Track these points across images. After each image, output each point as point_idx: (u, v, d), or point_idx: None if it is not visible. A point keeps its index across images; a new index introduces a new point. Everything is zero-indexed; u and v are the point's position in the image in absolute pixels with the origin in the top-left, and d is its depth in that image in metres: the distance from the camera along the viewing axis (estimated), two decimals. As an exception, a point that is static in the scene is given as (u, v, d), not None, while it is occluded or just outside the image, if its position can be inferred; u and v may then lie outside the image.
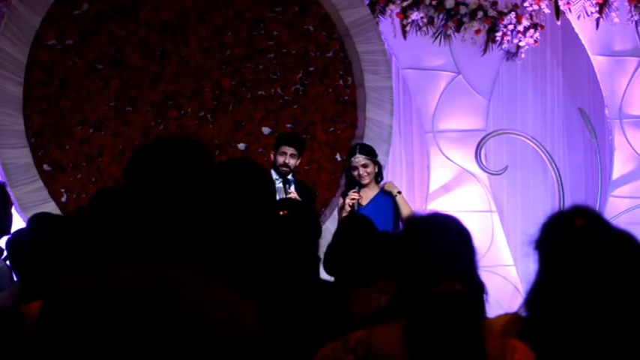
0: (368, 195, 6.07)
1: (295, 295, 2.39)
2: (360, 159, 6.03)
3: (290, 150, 6.01)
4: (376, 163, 6.10)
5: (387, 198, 6.06)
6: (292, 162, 6.02)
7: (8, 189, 6.10)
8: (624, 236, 2.18)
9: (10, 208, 4.67)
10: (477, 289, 2.21)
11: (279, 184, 5.97)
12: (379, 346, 2.08)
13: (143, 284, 1.78)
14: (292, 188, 5.95)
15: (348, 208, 5.92)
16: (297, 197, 5.80)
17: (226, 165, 2.53)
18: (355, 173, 6.03)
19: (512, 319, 2.33)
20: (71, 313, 1.75)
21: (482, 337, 2.06)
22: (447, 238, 2.18)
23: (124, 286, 1.78)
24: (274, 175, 5.96)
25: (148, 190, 1.87)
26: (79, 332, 1.74)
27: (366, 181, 6.02)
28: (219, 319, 1.78)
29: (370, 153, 6.09)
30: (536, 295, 2.21)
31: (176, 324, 1.73)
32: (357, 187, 5.99)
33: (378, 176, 6.15)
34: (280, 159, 6.00)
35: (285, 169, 5.99)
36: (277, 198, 5.81)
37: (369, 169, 6.03)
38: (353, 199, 5.94)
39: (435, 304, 2.06)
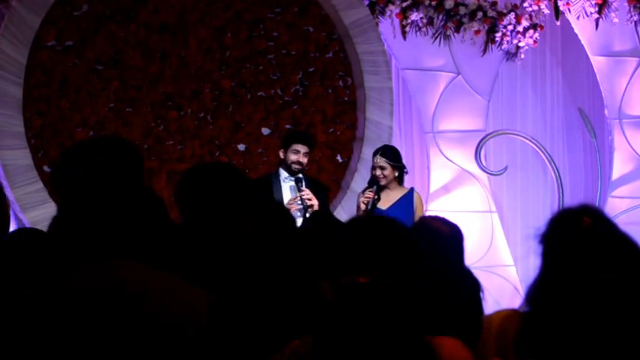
0: (391, 197, 6.06)
1: (270, 289, 2.39)
2: (379, 160, 6.05)
3: (303, 148, 5.96)
4: (396, 167, 6.09)
5: (409, 202, 6.08)
6: (305, 160, 5.99)
7: (8, 190, 6.12)
8: (629, 238, 2.19)
9: (8, 209, 4.67)
10: (462, 285, 2.21)
11: (290, 183, 5.96)
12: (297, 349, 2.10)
13: (95, 281, 1.85)
14: (304, 186, 5.91)
15: (362, 207, 5.94)
16: (311, 195, 5.79)
17: (196, 168, 2.60)
18: (374, 172, 6.09)
19: (510, 314, 2.34)
20: (28, 309, 1.83)
21: (397, 333, 2.04)
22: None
23: (78, 283, 1.85)
24: (284, 175, 5.96)
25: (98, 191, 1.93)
26: (34, 327, 1.81)
27: (382, 182, 6.04)
28: (168, 307, 1.83)
29: (392, 157, 6.07)
30: (537, 291, 2.22)
31: (126, 314, 1.80)
32: (374, 187, 6.00)
33: (399, 180, 6.15)
34: (293, 157, 5.93)
35: (297, 167, 5.93)
36: (290, 197, 5.87)
37: (386, 172, 6.03)
38: (367, 197, 5.95)
39: (339, 297, 2.05)
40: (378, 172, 6.04)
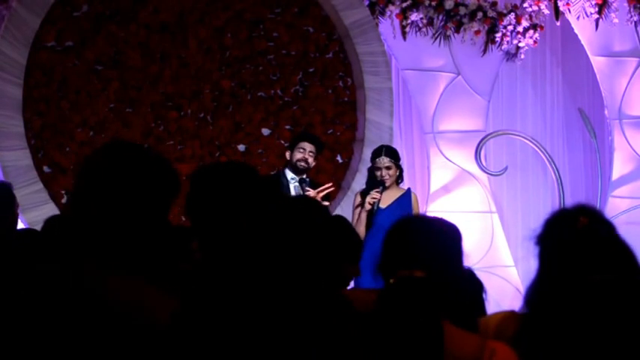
0: (389, 197, 6.05)
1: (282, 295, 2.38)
2: (384, 161, 6.02)
3: (309, 147, 5.97)
4: (399, 166, 6.11)
5: (407, 201, 6.08)
6: (310, 160, 5.99)
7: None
8: (623, 239, 2.19)
9: (16, 208, 4.70)
10: (464, 285, 2.23)
11: (295, 183, 5.97)
12: None
13: (61, 280, 1.87)
14: (308, 187, 5.91)
15: (368, 207, 5.92)
16: (317, 197, 5.78)
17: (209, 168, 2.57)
18: (378, 174, 6.05)
19: (508, 316, 2.33)
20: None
21: (440, 327, 2.06)
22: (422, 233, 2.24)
23: (43, 282, 1.87)
24: (290, 175, 5.96)
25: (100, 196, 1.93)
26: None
27: (388, 182, 6.02)
28: (127, 310, 1.83)
29: (394, 156, 6.09)
30: (535, 292, 2.21)
31: (83, 314, 1.81)
32: (380, 187, 5.98)
33: (399, 179, 6.16)
34: (299, 155, 5.94)
35: (303, 164, 5.94)
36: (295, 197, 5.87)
37: (391, 172, 6.03)
38: (374, 198, 5.94)
39: (392, 290, 2.07)
40: (384, 172, 6.02)
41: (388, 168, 6.03)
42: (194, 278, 2.22)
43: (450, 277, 2.23)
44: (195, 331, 1.95)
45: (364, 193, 6.05)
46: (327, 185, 5.85)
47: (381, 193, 5.97)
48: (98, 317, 1.80)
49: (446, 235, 2.29)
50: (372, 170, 6.14)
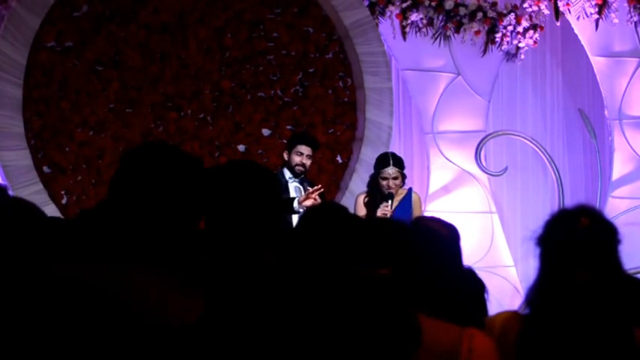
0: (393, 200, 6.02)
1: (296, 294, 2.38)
2: (392, 171, 5.94)
3: (307, 150, 6.01)
4: (404, 175, 6.05)
5: (408, 202, 6.04)
6: (308, 162, 6.03)
7: (8, 191, 6.11)
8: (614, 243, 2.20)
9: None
10: (460, 285, 2.24)
11: (295, 184, 5.99)
12: None
13: (87, 277, 1.87)
14: (309, 187, 5.94)
15: None
16: (313, 196, 5.79)
17: (229, 166, 2.54)
18: (384, 183, 5.95)
19: (511, 316, 2.34)
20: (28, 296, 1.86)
21: (415, 320, 2.06)
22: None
23: (71, 278, 1.87)
24: (288, 175, 5.99)
25: (134, 195, 1.93)
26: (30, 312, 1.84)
27: (395, 191, 5.94)
28: (152, 308, 1.83)
29: (401, 165, 6.02)
30: (536, 293, 2.22)
31: (109, 312, 1.81)
32: (389, 202, 5.86)
33: (402, 185, 6.11)
34: (297, 159, 5.99)
35: (301, 168, 6.00)
36: (296, 196, 5.89)
37: (397, 182, 5.95)
38: (385, 214, 5.83)
39: (358, 288, 2.09)
40: (391, 182, 5.92)
41: (395, 178, 5.95)
42: (200, 277, 2.22)
43: (435, 276, 2.22)
44: (207, 330, 1.95)
45: (370, 204, 5.96)
46: (318, 187, 5.86)
47: (390, 206, 5.89)
48: (122, 316, 1.80)
49: (423, 235, 2.30)
50: (375, 178, 6.03)
